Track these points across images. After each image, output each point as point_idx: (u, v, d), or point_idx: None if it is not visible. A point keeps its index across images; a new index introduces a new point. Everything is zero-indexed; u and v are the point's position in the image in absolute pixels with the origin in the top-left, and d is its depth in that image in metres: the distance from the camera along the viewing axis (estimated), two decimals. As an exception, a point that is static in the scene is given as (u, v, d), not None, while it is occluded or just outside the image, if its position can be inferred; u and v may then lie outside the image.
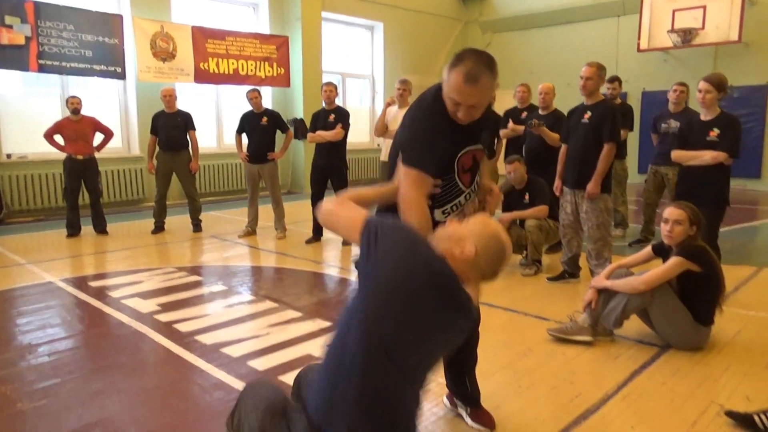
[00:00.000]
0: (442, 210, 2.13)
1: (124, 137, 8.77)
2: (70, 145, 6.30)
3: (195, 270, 5.06)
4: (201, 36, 8.94)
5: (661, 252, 3.30)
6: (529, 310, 3.85)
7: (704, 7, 10.06)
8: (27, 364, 3.05)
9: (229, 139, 9.99)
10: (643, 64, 11.20)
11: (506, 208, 4.99)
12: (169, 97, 6.51)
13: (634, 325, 3.33)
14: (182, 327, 3.58)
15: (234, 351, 3.21)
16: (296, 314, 3.83)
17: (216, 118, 9.84)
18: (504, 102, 7.02)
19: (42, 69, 7.58)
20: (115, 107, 8.65)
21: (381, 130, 5.88)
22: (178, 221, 7.21)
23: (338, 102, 6.12)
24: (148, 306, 4.00)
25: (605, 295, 3.26)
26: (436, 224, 1.99)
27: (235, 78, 9.42)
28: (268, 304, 4.04)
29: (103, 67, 8.09)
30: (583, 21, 11.99)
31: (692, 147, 4.20)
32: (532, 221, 4.75)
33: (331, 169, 5.93)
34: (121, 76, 8.33)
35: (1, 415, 2.51)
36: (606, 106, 4.25)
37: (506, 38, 13.34)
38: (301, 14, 10.12)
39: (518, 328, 3.56)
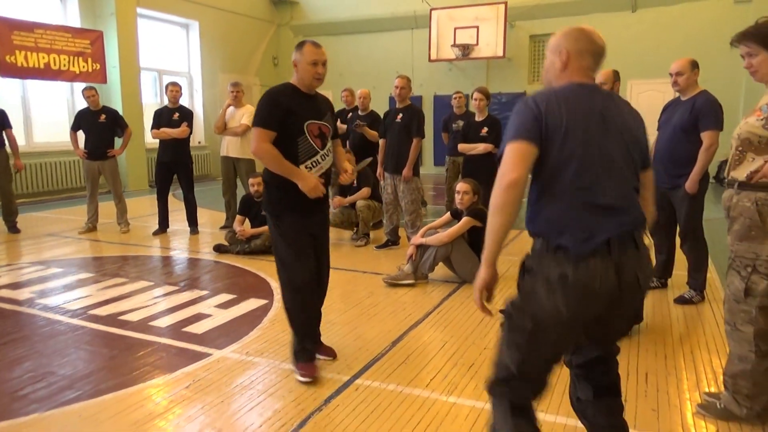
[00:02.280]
0: (305, 165, 2.80)
1: None
2: None
3: (51, 263, 5.20)
4: (5, 27, 8.42)
5: (456, 215, 4.65)
6: (366, 269, 4.98)
7: (477, 27, 12.28)
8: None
9: (41, 138, 9.54)
10: (434, 72, 13.19)
11: (341, 194, 6.07)
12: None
13: (441, 271, 4.63)
14: (69, 306, 3.95)
15: (132, 317, 3.74)
16: (174, 288, 4.42)
17: (23, 115, 9.28)
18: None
19: None
20: None
21: (221, 128, 6.53)
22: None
23: (156, 99, 6.56)
24: (22, 294, 4.22)
25: (421, 249, 4.50)
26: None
27: (46, 73, 9.02)
28: (143, 283, 4.53)
29: None
30: (384, 31, 13.60)
31: (471, 141, 5.69)
32: (362, 202, 5.88)
33: (177, 165, 6.39)
34: None
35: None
36: (413, 108, 5.54)
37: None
38: (116, 9, 10.01)
39: (360, 281, 4.65)
